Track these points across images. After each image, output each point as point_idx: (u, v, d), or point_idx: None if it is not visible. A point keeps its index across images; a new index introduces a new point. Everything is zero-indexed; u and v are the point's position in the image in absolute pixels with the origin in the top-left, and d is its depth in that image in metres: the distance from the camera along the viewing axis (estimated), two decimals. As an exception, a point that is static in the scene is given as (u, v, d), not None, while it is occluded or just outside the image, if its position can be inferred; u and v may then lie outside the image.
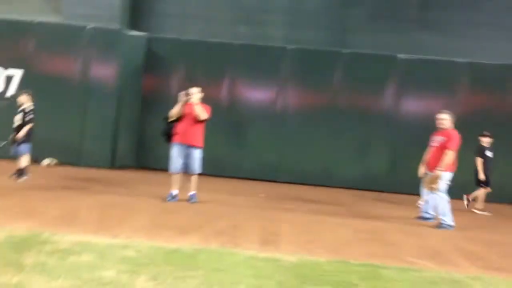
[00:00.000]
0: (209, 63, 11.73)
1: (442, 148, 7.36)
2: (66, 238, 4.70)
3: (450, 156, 7.26)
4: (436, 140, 7.58)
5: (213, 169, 11.53)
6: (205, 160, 10.96)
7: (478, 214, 9.39)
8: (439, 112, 7.72)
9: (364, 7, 11.81)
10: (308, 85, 11.78)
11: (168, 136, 7.61)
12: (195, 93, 7.51)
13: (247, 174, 11.61)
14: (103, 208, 6.57)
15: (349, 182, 11.42)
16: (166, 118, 7.69)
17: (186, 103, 7.47)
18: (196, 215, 6.68)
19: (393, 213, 8.57)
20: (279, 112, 11.78)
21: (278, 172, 11.67)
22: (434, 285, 4.32)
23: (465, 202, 9.62)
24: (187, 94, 7.44)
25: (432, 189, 7.34)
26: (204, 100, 10.83)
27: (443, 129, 7.55)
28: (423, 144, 8.28)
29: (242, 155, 11.78)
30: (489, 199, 9.70)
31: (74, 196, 7.34)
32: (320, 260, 4.75)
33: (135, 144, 11.72)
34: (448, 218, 7.31)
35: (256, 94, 11.88)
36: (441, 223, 7.32)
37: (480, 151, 9.56)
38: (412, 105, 11.52)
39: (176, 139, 7.54)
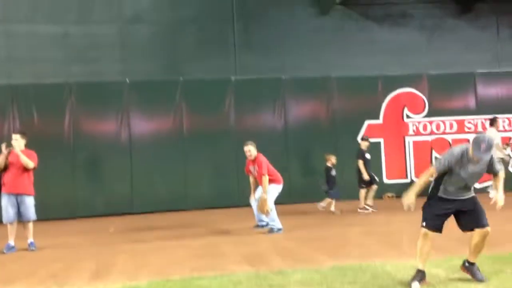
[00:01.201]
0: (45, 104, 11.54)
1: (259, 175, 8.17)
2: None
3: (266, 180, 8.09)
4: (252, 169, 8.41)
5: (64, 211, 11.37)
6: (55, 203, 10.92)
7: (337, 213, 10.22)
8: (245, 144, 8.45)
9: (192, 35, 12.58)
10: (151, 114, 12.12)
11: None
12: (17, 140, 7.48)
13: (101, 211, 11.55)
14: None
15: (202, 203, 11.92)
16: None
17: (10, 152, 7.43)
18: (30, 262, 6.70)
19: (236, 225, 9.25)
20: (125, 143, 11.95)
21: (132, 204, 11.79)
22: (238, 284, 4.95)
23: (321, 206, 10.37)
24: (7, 145, 7.43)
25: (266, 213, 8.09)
26: (45, 141, 10.79)
27: (253, 158, 8.36)
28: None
29: (93, 192, 11.73)
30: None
31: None
32: (140, 283, 5.16)
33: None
34: (276, 223, 8.16)
35: (100, 128, 11.93)
36: (272, 228, 8.16)
37: (361, 154, 10.50)
38: (250, 122, 12.44)
39: (4, 189, 7.45)
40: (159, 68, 12.32)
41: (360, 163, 10.41)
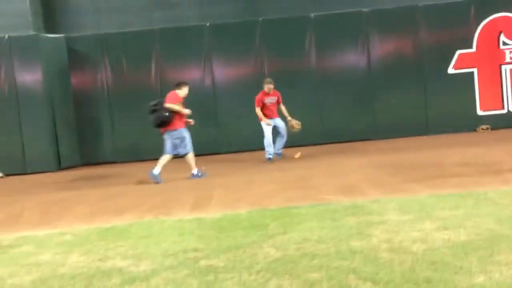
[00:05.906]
0: (133, 52, 11.99)
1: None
2: (8, 236, 5.13)
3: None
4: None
5: (155, 154, 11.98)
6: (148, 146, 11.52)
7: None
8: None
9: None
10: (232, 57, 12.21)
11: (165, 123, 8.23)
12: (182, 88, 8.41)
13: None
14: (45, 206, 6.97)
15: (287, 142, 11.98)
16: (155, 107, 8.19)
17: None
18: (135, 196, 7.16)
19: (324, 160, 9.29)
20: (209, 88, 12.20)
21: (219, 145, 12.19)
22: (336, 213, 5.01)
23: None
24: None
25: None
26: (138, 87, 11.39)
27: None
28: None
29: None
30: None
31: (19, 200, 7.66)
32: (240, 213, 5.38)
33: (77, 142, 11.96)
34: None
35: (184, 74, 12.20)
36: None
37: None
38: (332, 60, 12.16)
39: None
40: (237, 10, 12.31)
41: None
